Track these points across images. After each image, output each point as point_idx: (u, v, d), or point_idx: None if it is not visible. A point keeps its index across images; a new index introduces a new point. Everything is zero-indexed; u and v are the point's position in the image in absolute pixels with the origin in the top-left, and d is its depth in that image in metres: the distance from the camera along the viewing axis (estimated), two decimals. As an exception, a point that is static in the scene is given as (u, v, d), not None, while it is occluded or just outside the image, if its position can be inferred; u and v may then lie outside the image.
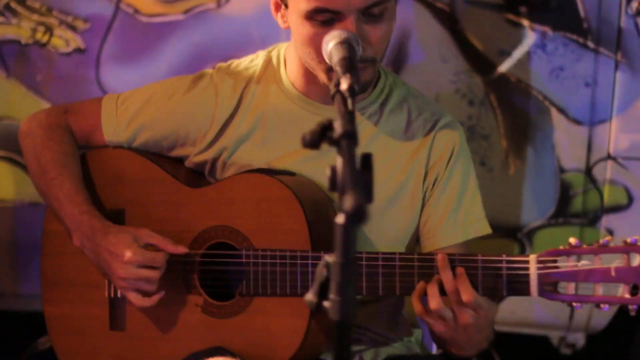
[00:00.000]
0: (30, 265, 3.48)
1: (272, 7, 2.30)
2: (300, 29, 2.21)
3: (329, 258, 1.54)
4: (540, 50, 3.43)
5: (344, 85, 1.83)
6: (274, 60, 2.41)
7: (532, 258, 2.05)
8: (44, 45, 3.42)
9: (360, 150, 1.64)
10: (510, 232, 3.49)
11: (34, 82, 3.44)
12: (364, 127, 2.35)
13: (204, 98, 2.38)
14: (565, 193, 3.46)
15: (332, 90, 1.86)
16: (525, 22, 3.41)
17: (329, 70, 2.20)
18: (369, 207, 1.49)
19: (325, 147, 1.67)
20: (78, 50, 3.44)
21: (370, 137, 2.35)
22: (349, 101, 1.79)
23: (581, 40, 3.40)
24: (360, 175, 1.56)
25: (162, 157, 2.44)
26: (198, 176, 2.44)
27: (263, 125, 2.37)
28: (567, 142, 3.46)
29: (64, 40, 3.44)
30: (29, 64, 3.43)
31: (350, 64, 1.96)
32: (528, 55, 3.42)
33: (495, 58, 3.43)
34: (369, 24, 2.18)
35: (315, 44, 2.18)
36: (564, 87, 3.47)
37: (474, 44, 3.40)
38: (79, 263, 2.38)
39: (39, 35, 3.43)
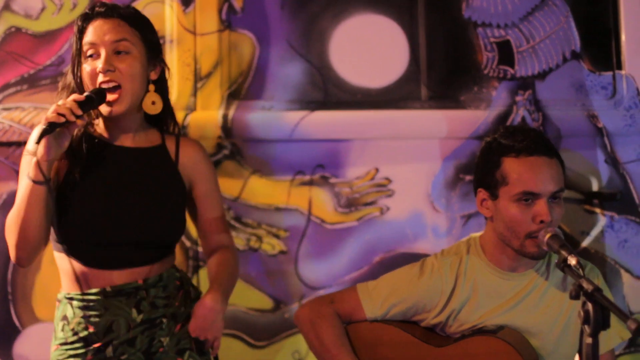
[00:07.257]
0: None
1: (478, 203, 3.28)
2: (510, 210, 3.19)
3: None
4: (610, 229, 4.30)
5: (573, 262, 2.87)
6: (473, 244, 3.37)
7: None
8: (255, 250, 4.19)
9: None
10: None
11: (249, 277, 4.16)
12: (539, 282, 3.30)
13: (434, 279, 3.35)
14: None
15: (560, 264, 2.90)
16: (598, 210, 4.31)
17: (525, 238, 3.18)
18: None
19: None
20: (281, 252, 4.20)
21: (544, 289, 3.31)
22: (580, 270, 2.83)
23: (638, 220, 4.29)
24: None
25: (403, 322, 3.37)
26: (431, 332, 3.38)
27: (475, 292, 3.33)
28: (633, 294, 4.28)
29: (271, 246, 4.19)
30: (246, 265, 4.13)
31: (568, 247, 2.98)
32: (602, 233, 4.31)
33: (578, 236, 4.34)
34: (554, 203, 3.21)
35: (521, 218, 3.16)
36: (629, 254, 4.30)
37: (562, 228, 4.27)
38: None
39: (252, 243, 4.18)
